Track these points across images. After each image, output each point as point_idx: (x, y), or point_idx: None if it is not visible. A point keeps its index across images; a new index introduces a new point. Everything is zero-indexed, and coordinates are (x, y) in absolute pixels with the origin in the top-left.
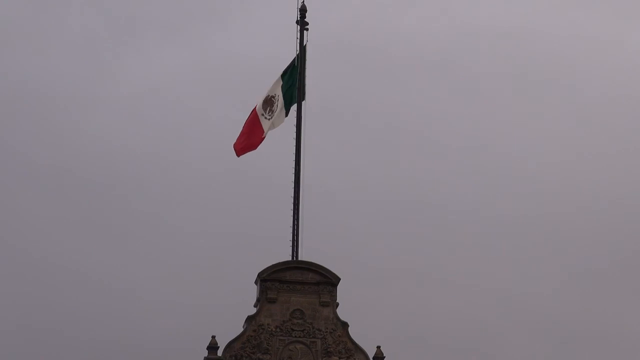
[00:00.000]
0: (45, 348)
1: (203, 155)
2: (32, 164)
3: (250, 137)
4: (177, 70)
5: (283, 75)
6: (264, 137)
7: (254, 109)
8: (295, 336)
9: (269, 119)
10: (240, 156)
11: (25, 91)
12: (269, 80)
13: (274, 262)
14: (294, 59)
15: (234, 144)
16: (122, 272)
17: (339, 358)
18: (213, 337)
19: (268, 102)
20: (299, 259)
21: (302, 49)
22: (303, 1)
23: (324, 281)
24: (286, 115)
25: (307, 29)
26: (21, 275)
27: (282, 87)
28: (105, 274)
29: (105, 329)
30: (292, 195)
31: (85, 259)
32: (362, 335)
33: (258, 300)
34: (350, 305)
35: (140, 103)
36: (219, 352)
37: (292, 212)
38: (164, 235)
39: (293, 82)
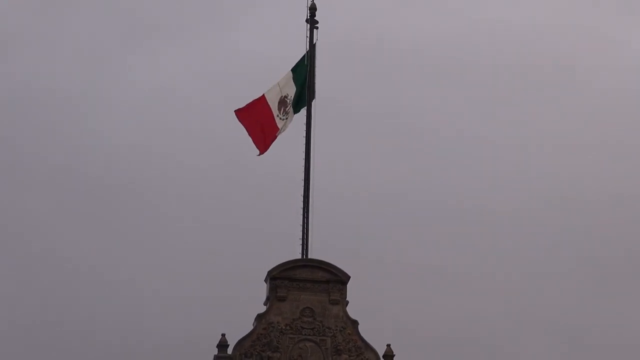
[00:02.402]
0: (55, 346)
1: (212, 154)
2: (38, 163)
3: (267, 136)
4: (185, 70)
5: (293, 71)
6: (276, 137)
7: (264, 100)
8: (305, 334)
9: (283, 119)
10: (263, 153)
11: (31, 92)
12: (278, 80)
13: (283, 261)
14: (303, 55)
15: (255, 138)
16: (131, 271)
17: (349, 356)
18: (223, 335)
19: (282, 102)
20: (309, 257)
21: (312, 47)
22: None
23: (334, 279)
24: (295, 112)
25: (316, 28)
26: (28, 271)
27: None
28: (114, 272)
29: (115, 327)
30: (302, 194)
31: (94, 258)
32: (372, 333)
33: (268, 298)
34: (360, 303)
35: (147, 103)
36: (229, 350)
37: (302, 210)
38: (173, 234)
39: (302, 81)
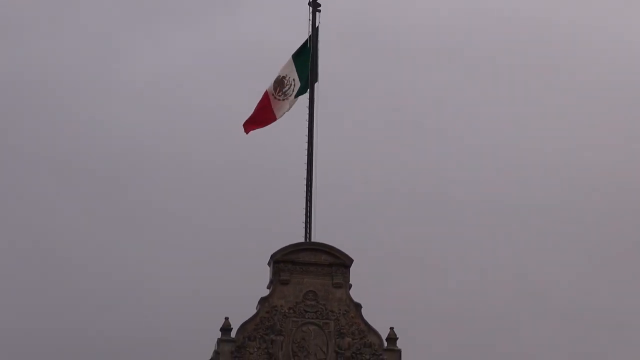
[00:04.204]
0: (69, 341)
1: (215, 138)
2: (40, 152)
3: (259, 115)
4: (187, 54)
5: (295, 57)
6: (277, 119)
7: (266, 91)
8: (309, 318)
9: (279, 99)
10: (249, 133)
11: (33, 78)
12: (281, 64)
13: (287, 244)
14: (306, 40)
15: (244, 123)
16: (136, 255)
17: (352, 339)
18: (226, 318)
19: (279, 82)
20: (312, 240)
21: (314, 30)
22: None
23: (337, 263)
24: (296, 96)
25: (319, 11)
26: (36, 269)
27: (297, 70)
28: (119, 258)
29: (120, 313)
30: (305, 177)
31: (98, 245)
32: (375, 316)
33: (271, 281)
34: (363, 286)
35: (151, 88)
36: (233, 334)
37: (305, 193)
38: (177, 219)
39: (305, 65)
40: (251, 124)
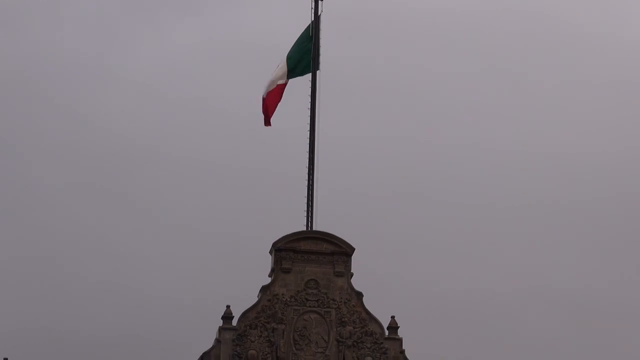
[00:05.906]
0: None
1: (217, 127)
2: (39, 140)
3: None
4: (189, 43)
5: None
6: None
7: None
8: (310, 306)
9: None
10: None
11: (34, 65)
12: (282, 53)
13: (288, 232)
14: (308, 26)
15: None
16: (138, 243)
17: (354, 328)
18: (228, 306)
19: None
20: (314, 229)
21: (317, 18)
22: None
23: (339, 251)
24: (296, 75)
25: None
26: (36, 271)
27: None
28: (120, 242)
29: (121, 302)
30: (307, 165)
31: (98, 234)
32: (377, 305)
33: (272, 270)
34: (364, 275)
35: (152, 77)
36: (234, 322)
37: (306, 182)
38: (179, 206)
39: (307, 50)
40: (267, 116)
